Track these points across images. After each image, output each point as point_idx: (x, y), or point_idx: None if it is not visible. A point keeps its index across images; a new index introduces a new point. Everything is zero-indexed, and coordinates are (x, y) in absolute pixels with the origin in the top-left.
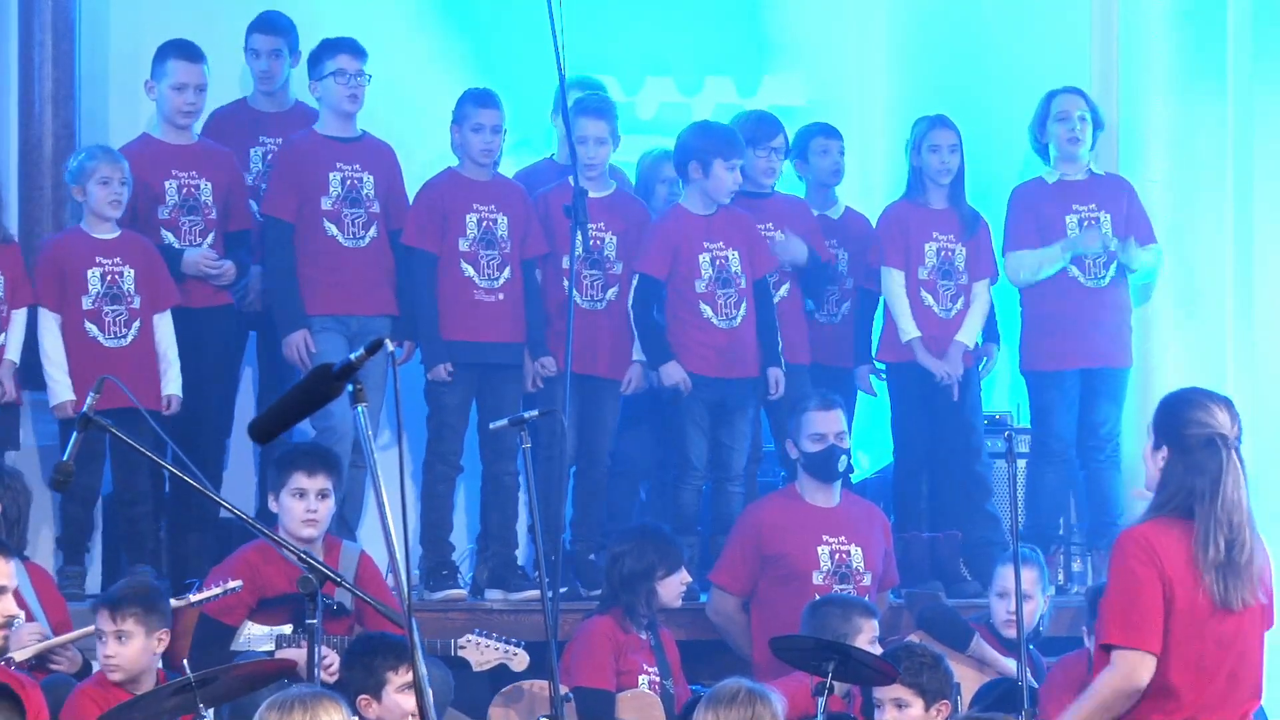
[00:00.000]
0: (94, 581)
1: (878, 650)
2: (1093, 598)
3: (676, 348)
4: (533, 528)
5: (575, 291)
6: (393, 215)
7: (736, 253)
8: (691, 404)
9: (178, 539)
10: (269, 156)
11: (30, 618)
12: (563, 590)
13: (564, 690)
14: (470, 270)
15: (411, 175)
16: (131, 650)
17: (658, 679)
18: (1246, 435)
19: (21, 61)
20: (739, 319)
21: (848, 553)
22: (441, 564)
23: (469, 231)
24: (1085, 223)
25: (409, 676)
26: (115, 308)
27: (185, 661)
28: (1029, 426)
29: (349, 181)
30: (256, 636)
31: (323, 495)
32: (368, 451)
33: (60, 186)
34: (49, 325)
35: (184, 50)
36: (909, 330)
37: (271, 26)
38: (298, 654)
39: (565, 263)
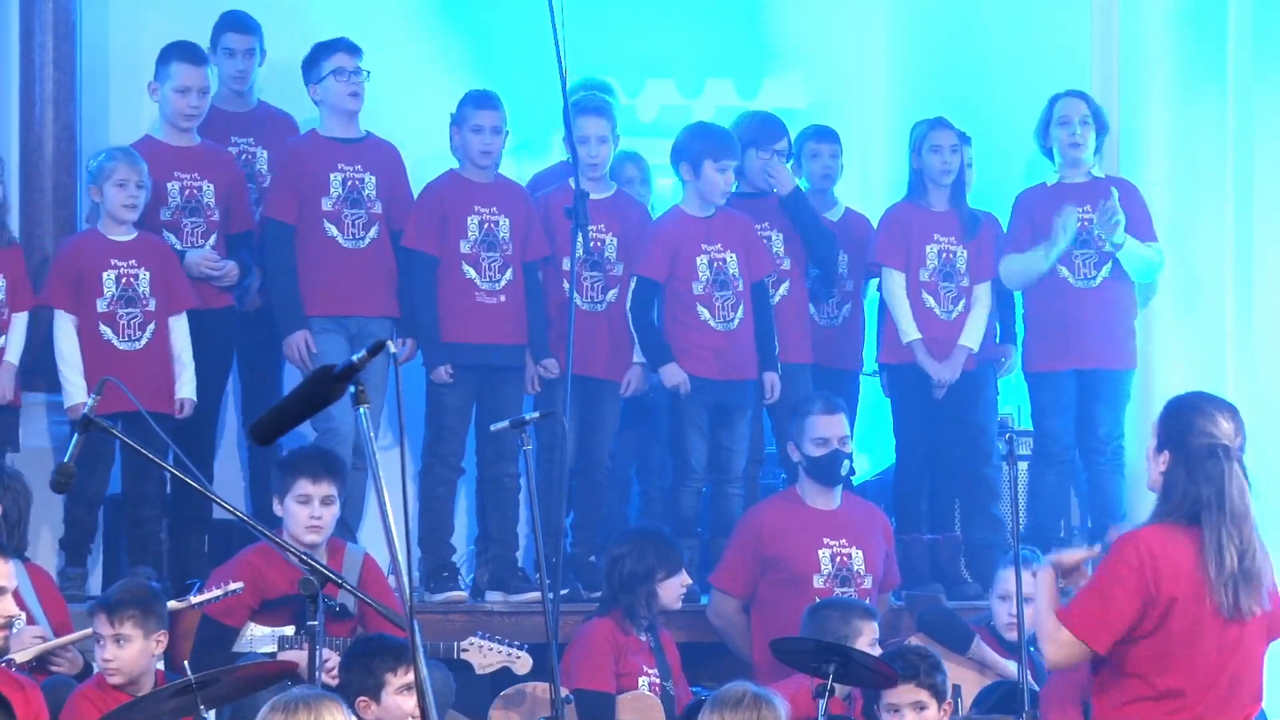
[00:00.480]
0: (95, 583)
1: (877, 652)
2: None
3: (675, 350)
4: (536, 529)
5: (575, 293)
6: (395, 216)
7: (734, 255)
8: (690, 406)
9: (178, 540)
10: (244, 157)
11: (31, 619)
12: (563, 592)
13: (564, 692)
14: (472, 272)
15: (412, 176)
16: (130, 653)
17: (658, 681)
18: (1246, 436)
19: (22, 63)
20: (736, 321)
21: (849, 556)
22: (442, 566)
23: (470, 233)
24: (1081, 224)
25: (408, 678)
26: (130, 310)
27: (186, 663)
28: (1030, 429)
29: (350, 182)
30: (259, 638)
31: (327, 501)
32: (369, 453)
33: (60, 187)
34: (65, 327)
35: (188, 53)
36: (909, 332)
37: (244, 25)
38: (299, 656)
39: (565, 264)
